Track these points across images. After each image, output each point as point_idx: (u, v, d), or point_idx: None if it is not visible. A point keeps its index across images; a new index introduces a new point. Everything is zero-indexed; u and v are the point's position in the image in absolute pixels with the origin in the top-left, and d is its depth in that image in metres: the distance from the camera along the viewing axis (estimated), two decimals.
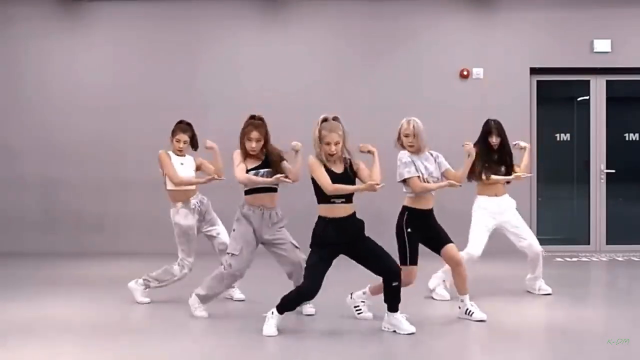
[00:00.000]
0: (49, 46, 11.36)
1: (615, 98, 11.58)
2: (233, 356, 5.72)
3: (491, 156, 7.55)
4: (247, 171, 6.70)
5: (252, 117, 6.86)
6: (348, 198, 6.10)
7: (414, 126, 6.53)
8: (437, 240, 6.65)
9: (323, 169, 6.04)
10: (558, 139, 11.69)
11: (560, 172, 11.76)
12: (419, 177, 6.51)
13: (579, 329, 6.41)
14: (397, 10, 11.23)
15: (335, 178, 6.04)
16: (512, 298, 7.55)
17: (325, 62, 11.30)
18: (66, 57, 11.36)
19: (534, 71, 11.31)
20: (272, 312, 6.16)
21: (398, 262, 6.32)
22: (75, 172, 11.23)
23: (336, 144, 6.04)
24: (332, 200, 6.05)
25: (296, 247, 6.83)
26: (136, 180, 11.07)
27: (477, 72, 11.24)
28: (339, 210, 6.08)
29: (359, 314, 6.73)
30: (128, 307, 7.27)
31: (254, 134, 6.72)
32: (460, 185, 6.61)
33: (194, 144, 7.48)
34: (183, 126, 7.42)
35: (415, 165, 6.53)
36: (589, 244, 11.44)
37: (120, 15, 11.30)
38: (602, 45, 11.21)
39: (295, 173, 6.67)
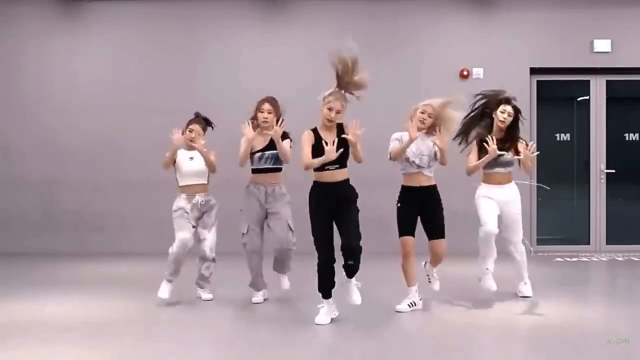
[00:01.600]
0: (49, 46, 11.36)
1: (615, 98, 11.58)
2: (234, 356, 5.72)
3: (499, 141, 7.23)
4: (253, 153, 7.20)
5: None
6: (341, 164, 6.42)
7: (435, 107, 7.00)
8: (430, 228, 7.05)
9: (309, 146, 6.37)
10: (558, 139, 11.69)
11: (560, 172, 11.76)
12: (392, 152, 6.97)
13: (579, 329, 6.41)
14: (397, 10, 11.23)
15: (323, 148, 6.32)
16: (512, 298, 7.54)
17: (325, 62, 11.23)
18: (66, 57, 11.36)
19: (534, 71, 11.31)
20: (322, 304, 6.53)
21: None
22: (75, 172, 11.23)
23: (337, 112, 6.44)
24: (325, 167, 6.38)
25: (290, 229, 7.21)
26: (136, 180, 11.07)
27: (477, 72, 11.24)
28: (328, 176, 6.43)
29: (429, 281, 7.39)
30: (128, 307, 7.27)
31: (266, 106, 7.25)
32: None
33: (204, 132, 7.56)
34: (197, 119, 7.58)
35: (400, 142, 6.98)
36: (589, 244, 11.44)
37: (120, 15, 11.30)
38: (602, 45, 11.21)
39: (284, 154, 7.15)
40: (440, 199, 7.07)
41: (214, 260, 7.49)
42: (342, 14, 11.23)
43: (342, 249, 6.40)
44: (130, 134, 11.18)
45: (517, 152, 7.32)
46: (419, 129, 6.92)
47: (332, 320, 6.54)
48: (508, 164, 7.35)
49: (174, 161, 7.46)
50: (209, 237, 7.44)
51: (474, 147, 7.38)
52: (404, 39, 11.27)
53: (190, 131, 7.45)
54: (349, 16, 11.23)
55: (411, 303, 6.99)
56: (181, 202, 7.37)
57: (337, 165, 6.42)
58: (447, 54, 11.23)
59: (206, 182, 7.50)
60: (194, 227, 7.35)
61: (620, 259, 10.64)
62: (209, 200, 7.47)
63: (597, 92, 11.51)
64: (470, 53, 11.25)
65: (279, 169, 7.33)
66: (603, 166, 11.44)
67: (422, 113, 6.97)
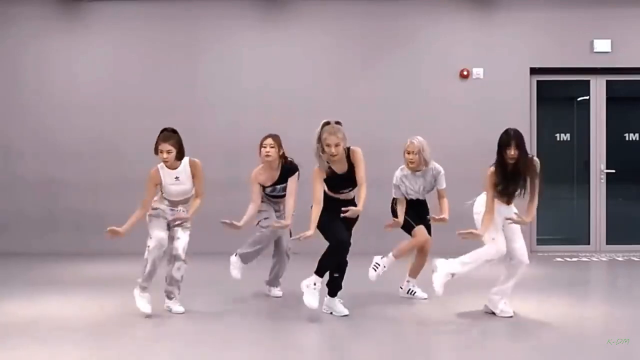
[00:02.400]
0: (49, 46, 11.36)
1: (615, 98, 11.58)
2: (234, 356, 5.71)
3: (506, 173, 6.61)
4: (265, 188, 7.47)
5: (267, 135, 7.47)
6: (354, 186, 6.66)
7: (416, 144, 7.24)
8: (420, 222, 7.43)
9: (319, 183, 6.57)
10: (558, 139, 11.69)
11: (560, 172, 11.76)
12: (396, 199, 7.38)
13: (579, 329, 6.41)
14: (397, 10, 11.23)
15: (335, 178, 6.59)
16: (511, 297, 7.54)
17: (325, 62, 11.30)
18: (66, 57, 11.36)
19: (534, 71, 11.31)
20: (315, 283, 6.54)
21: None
22: (75, 172, 11.23)
23: (336, 145, 6.43)
24: (340, 191, 6.68)
25: (287, 255, 7.63)
26: (136, 180, 10.99)
27: (477, 72, 11.23)
28: (340, 196, 6.74)
29: (414, 294, 7.55)
30: (128, 307, 7.26)
31: (268, 141, 7.37)
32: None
33: (180, 153, 6.94)
34: (165, 134, 6.89)
35: (401, 188, 7.36)
36: (589, 244, 11.44)
37: (120, 15, 11.30)
38: (602, 45, 11.21)
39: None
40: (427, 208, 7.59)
41: (185, 261, 6.99)
42: (342, 14, 11.24)
43: None
44: (130, 134, 11.17)
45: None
46: (412, 169, 7.35)
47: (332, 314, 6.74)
48: (515, 196, 6.77)
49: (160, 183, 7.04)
50: (183, 237, 6.99)
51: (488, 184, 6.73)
52: (404, 39, 11.27)
53: (160, 152, 6.89)
54: (349, 16, 11.24)
55: (376, 265, 7.42)
56: (163, 204, 7.12)
57: (349, 189, 6.74)
58: (447, 54, 11.23)
59: (189, 196, 7.09)
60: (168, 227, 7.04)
61: (620, 259, 10.64)
62: (188, 205, 7.11)
63: (597, 92, 11.51)
64: (470, 53, 11.25)
65: (283, 196, 7.60)
66: (603, 166, 11.44)
67: (409, 154, 7.30)
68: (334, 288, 6.81)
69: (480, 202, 6.84)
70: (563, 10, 11.24)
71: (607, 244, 11.40)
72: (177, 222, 7.02)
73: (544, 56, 11.26)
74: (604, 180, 11.45)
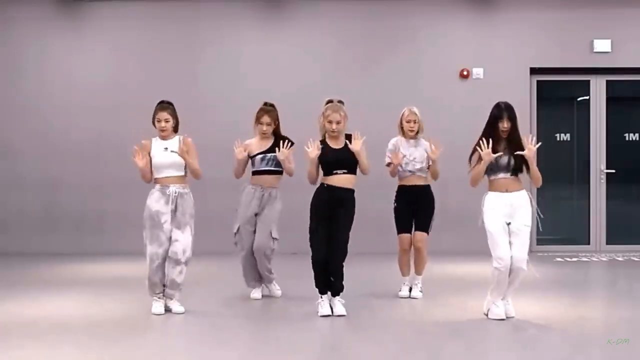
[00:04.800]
0: (49, 46, 11.36)
1: (615, 98, 11.57)
2: (235, 355, 5.71)
3: (497, 145, 6.58)
4: (254, 155, 7.43)
5: (265, 103, 7.61)
6: (350, 170, 6.71)
7: (416, 112, 7.55)
8: (416, 221, 7.49)
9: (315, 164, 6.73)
10: (558, 139, 11.69)
11: (560, 172, 11.75)
12: (390, 164, 7.42)
13: (579, 329, 6.41)
14: (397, 10, 11.22)
15: (333, 152, 6.72)
16: (511, 297, 7.53)
17: (325, 62, 11.30)
18: (66, 58, 11.36)
19: (534, 71, 11.31)
20: (321, 298, 6.75)
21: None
22: (75, 172, 11.23)
23: (337, 123, 6.72)
24: (334, 171, 6.69)
25: (272, 235, 7.39)
26: (136, 180, 10.92)
27: (477, 72, 11.24)
28: (334, 180, 6.71)
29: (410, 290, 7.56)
30: (128, 307, 7.27)
31: (265, 119, 7.44)
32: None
33: (176, 126, 7.01)
34: (163, 105, 7.02)
35: (394, 149, 7.46)
36: (589, 244, 11.44)
37: (120, 15, 11.30)
38: (602, 45, 11.21)
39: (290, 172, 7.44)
40: (433, 199, 7.52)
41: (186, 263, 6.84)
42: (342, 15, 11.24)
43: (329, 261, 6.72)
44: (130, 134, 11.11)
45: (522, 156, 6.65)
46: (410, 137, 7.55)
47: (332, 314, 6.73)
48: (514, 170, 6.60)
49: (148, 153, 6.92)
50: (182, 238, 6.79)
51: (474, 158, 6.77)
52: (404, 39, 11.27)
53: (158, 121, 6.95)
54: (348, 16, 11.24)
55: (410, 288, 7.55)
56: (160, 203, 6.81)
57: (344, 170, 6.71)
58: (446, 54, 11.23)
59: (183, 174, 6.88)
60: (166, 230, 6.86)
61: (620, 259, 10.64)
62: (184, 194, 6.84)
63: (597, 92, 11.51)
64: (470, 53, 11.25)
65: (279, 172, 7.50)
66: (603, 166, 11.44)
67: (408, 122, 7.53)
68: (334, 289, 6.82)
69: (486, 200, 6.66)
70: (563, 10, 11.24)
71: (607, 244, 11.40)
72: (173, 224, 6.84)
73: (544, 56, 11.26)
74: (604, 180, 11.44)
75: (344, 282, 6.79)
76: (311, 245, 6.73)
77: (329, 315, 6.68)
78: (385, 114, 10.55)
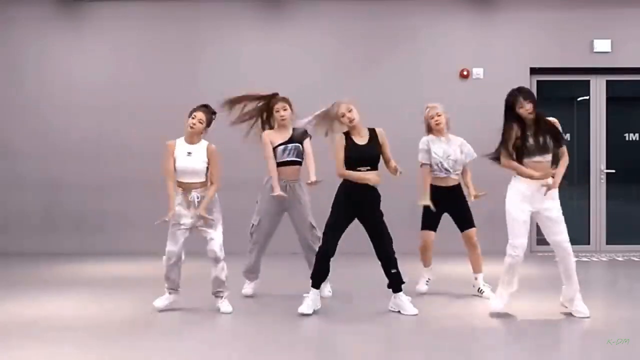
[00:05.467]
0: (49, 46, 11.37)
1: (615, 98, 11.57)
2: (235, 356, 5.72)
3: (526, 133, 6.53)
4: (276, 147, 7.43)
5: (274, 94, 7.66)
6: (373, 167, 6.75)
7: (438, 106, 7.61)
8: (457, 221, 7.62)
9: (342, 151, 6.72)
10: None
11: None
12: (428, 165, 7.48)
13: (579, 329, 6.41)
14: (397, 10, 11.23)
15: (357, 149, 6.74)
16: (511, 297, 7.53)
17: (325, 62, 11.30)
18: (66, 58, 11.36)
19: (534, 71, 11.31)
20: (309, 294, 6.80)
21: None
22: (75, 172, 11.23)
23: (349, 111, 6.75)
24: (357, 168, 6.70)
25: (313, 226, 7.44)
26: (136, 180, 11.07)
27: (477, 72, 11.24)
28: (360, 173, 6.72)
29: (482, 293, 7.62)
30: (128, 307, 7.27)
31: (280, 104, 7.50)
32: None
33: (205, 130, 7.09)
34: (204, 107, 7.16)
35: (430, 152, 7.48)
36: (589, 244, 11.44)
37: (120, 15, 11.30)
38: (602, 45, 11.21)
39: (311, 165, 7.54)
40: (464, 194, 7.66)
41: (224, 259, 7.01)
42: (342, 14, 11.24)
43: (380, 259, 6.81)
44: (131, 134, 11.18)
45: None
46: (439, 133, 7.59)
47: (315, 312, 6.78)
48: (548, 149, 6.63)
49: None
50: (216, 236, 6.94)
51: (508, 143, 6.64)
52: (404, 39, 11.27)
53: (193, 117, 7.00)
54: (348, 16, 11.24)
55: (427, 281, 7.76)
56: (181, 207, 6.92)
57: (368, 167, 6.75)
58: (447, 54, 11.24)
59: (204, 180, 6.97)
60: (190, 230, 6.97)
61: (620, 259, 10.64)
62: (205, 197, 6.94)
63: (597, 92, 11.51)
64: (470, 53, 11.25)
65: (300, 163, 7.57)
66: (603, 166, 11.44)
67: (432, 118, 7.59)
68: (396, 284, 6.83)
69: (512, 183, 6.68)
70: (563, 10, 11.24)
71: (607, 244, 11.40)
72: (200, 225, 6.96)
73: (544, 56, 11.26)
74: (604, 180, 11.45)
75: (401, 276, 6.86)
76: (324, 236, 6.77)
77: (308, 315, 6.70)
78: (386, 114, 10.56)
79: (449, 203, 7.57)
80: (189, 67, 11.29)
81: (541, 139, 6.56)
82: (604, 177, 11.43)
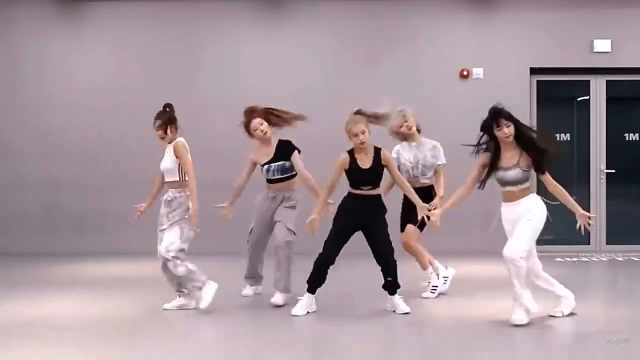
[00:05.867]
0: (49, 47, 11.37)
1: (615, 98, 11.58)
2: (235, 355, 5.72)
3: (506, 152, 6.39)
4: (262, 165, 7.38)
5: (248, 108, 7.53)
6: (374, 185, 6.75)
7: (408, 111, 7.61)
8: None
9: (339, 173, 6.74)
10: (558, 139, 11.68)
11: (560, 172, 11.72)
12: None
13: (579, 329, 6.41)
14: (397, 10, 11.23)
15: (361, 173, 6.71)
16: (510, 298, 7.54)
17: (325, 63, 11.30)
18: (66, 58, 11.36)
19: (534, 71, 11.31)
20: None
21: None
22: (75, 172, 11.23)
23: (362, 132, 6.67)
24: (360, 187, 6.73)
25: (289, 229, 7.26)
26: (137, 180, 11.03)
27: (477, 72, 11.24)
28: (362, 191, 6.75)
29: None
30: (128, 307, 7.27)
31: (255, 123, 7.36)
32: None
33: (166, 128, 7.04)
34: (158, 113, 7.14)
35: (400, 160, 7.50)
36: (589, 244, 11.44)
37: (120, 15, 11.30)
38: (602, 45, 11.21)
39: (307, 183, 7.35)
40: (431, 197, 7.43)
41: (173, 259, 6.86)
42: (342, 14, 11.24)
43: (379, 265, 6.80)
44: (130, 134, 11.17)
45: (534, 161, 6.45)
46: (411, 138, 7.58)
47: (309, 313, 6.82)
48: (517, 182, 6.43)
49: None
50: (166, 236, 6.93)
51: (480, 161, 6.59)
52: (404, 39, 11.27)
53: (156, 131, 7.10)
54: (349, 16, 11.24)
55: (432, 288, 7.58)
56: (161, 208, 7.11)
57: (369, 187, 6.75)
58: (447, 54, 11.24)
59: (177, 179, 6.98)
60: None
61: (620, 259, 10.64)
62: (177, 197, 6.97)
63: (597, 92, 11.51)
64: (470, 53, 11.25)
65: (291, 176, 7.45)
66: (603, 166, 11.44)
67: (401, 127, 7.55)
68: (391, 288, 6.87)
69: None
70: (563, 10, 11.24)
71: (607, 244, 11.41)
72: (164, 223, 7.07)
73: (544, 56, 11.26)
74: (604, 180, 11.45)
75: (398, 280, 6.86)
76: (325, 245, 6.75)
77: (297, 316, 6.72)
78: None
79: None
80: (189, 67, 11.30)
81: (515, 172, 6.37)
82: (604, 177, 11.43)
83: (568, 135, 11.70)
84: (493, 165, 6.44)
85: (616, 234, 11.44)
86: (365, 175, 6.73)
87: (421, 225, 7.33)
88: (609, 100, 11.49)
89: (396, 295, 6.88)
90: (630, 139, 11.67)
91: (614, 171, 11.44)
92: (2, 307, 7.28)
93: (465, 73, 11.24)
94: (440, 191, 7.48)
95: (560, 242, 11.52)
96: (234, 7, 11.30)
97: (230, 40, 11.32)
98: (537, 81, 11.39)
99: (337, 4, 11.25)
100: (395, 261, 6.79)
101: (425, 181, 7.53)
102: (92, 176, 11.23)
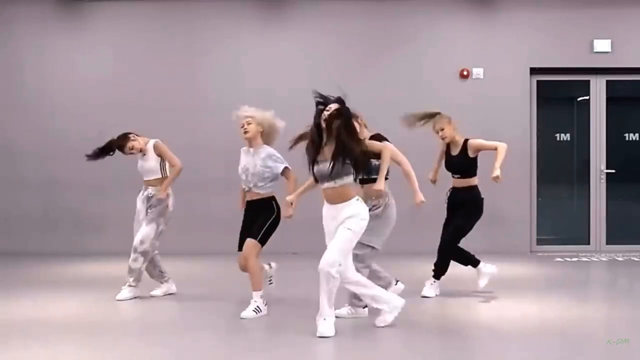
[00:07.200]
0: (49, 46, 11.37)
1: (615, 98, 11.58)
2: (235, 355, 5.71)
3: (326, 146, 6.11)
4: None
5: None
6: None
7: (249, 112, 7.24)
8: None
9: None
10: (558, 139, 11.70)
11: (560, 172, 11.76)
12: None
13: (579, 329, 6.41)
14: (397, 10, 11.23)
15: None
16: (512, 298, 7.55)
17: (325, 63, 11.30)
18: (66, 57, 11.36)
19: (534, 71, 11.31)
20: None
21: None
22: (75, 172, 11.22)
23: (441, 129, 7.26)
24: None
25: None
26: (136, 180, 11.02)
27: (477, 72, 11.24)
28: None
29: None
30: (128, 307, 7.27)
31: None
32: None
33: (135, 143, 7.79)
34: (117, 144, 7.99)
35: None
36: (589, 244, 11.44)
37: (120, 15, 11.31)
38: (602, 45, 11.21)
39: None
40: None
41: (142, 254, 7.37)
42: (342, 15, 11.24)
43: None
44: None
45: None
46: (248, 143, 7.04)
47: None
48: (335, 175, 5.91)
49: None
50: (142, 230, 7.41)
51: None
52: (404, 39, 11.27)
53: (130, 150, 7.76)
54: (349, 16, 11.24)
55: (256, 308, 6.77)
56: (139, 202, 7.63)
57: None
58: (447, 54, 11.24)
59: (159, 176, 7.58)
60: None
61: (620, 259, 10.64)
62: (156, 194, 7.51)
63: (597, 92, 11.51)
64: (470, 53, 11.25)
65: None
66: (603, 166, 11.44)
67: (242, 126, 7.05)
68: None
69: None
70: (563, 10, 11.24)
71: (607, 244, 11.41)
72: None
73: (544, 56, 11.27)
74: (604, 180, 11.45)
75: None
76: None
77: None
78: (385, 114, 10.56)
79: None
80: (189, 67, 11.30)
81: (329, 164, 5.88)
82: (604, 177, 11.44)
83: (568, 135, 11.71)
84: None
85: (616, 234, 11.45)
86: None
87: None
88: (609, 100, 11.50)
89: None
90: (630, 139, 11.68)
91: (613, 171, 11.44)
92: (2, 307, 7.28)
93: (465, 73, 11.24)
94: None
95: (560, 242, 11.55)
96: (233, 7, 11.30)
97: (230, 40, 11.32)
98: (537, 81, 11.39)
99: (337, 4, 11.25)
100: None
101: (257, 191, 6.86)
102: (91, 176, 11.22)
